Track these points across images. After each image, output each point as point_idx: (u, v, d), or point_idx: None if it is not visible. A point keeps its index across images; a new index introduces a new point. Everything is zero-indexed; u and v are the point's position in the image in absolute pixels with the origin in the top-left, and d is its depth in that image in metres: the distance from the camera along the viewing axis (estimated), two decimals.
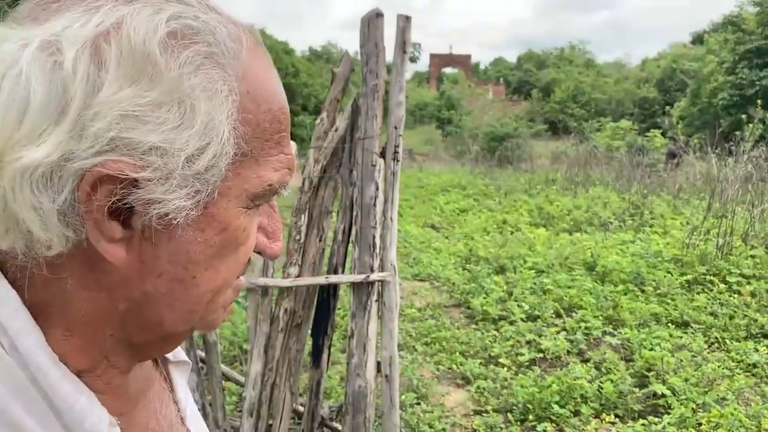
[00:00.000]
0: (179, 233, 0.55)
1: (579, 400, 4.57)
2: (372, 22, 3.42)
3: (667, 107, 33.24)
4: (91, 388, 0.58)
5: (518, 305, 6.65)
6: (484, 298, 6.93)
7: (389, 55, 3.53)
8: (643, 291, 7.06)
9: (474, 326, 6.33)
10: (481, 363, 5.38)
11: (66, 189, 0.50)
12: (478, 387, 4.92)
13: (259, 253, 0.64)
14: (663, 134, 21.90)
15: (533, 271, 7.92)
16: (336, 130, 3.60)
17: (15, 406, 0.53)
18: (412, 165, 22.86)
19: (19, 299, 0.55)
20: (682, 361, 5.10)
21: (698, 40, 50.52)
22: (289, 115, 0.61)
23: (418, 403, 4.62)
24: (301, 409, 3.94)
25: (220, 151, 0.53)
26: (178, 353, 0.78)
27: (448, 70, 63.82)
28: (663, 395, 4.54)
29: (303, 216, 3.65)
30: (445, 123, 33.00)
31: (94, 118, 0.49)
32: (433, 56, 67.28)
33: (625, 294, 6.92)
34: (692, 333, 5.87)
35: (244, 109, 0.55)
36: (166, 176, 0.52)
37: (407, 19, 3.49)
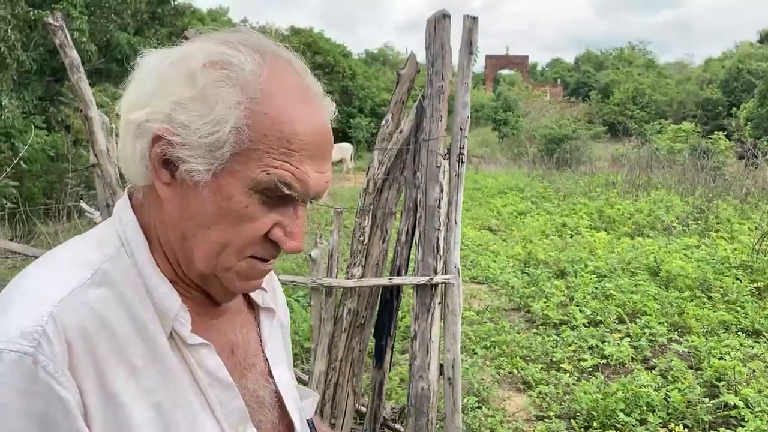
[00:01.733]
0: (200, 191, 0.82)
1: (645, 408, 4.45)
2: (438, 23, 3.41)
3: (733, 109, 32.14)
4: (178, 291, 0.88)
5: (580, 310, 6.53)
6: (545, 302, 6.83)
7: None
8: (710, 298, 6.84)
9: (534, 331, 6.24)
10: (542, 368, 5.30)
11: (144, 140, 0.83)
12: (540, 392, 4.85)
13: (273, 242, 0.86)
14: (728, 137, 21.17)
15: (594, 275, 7.77)
16: (401, 132, 3.61)
17: (127, 290, 0.85)
18: (468, 167, 22.69)
19: (136, 220, 0.89)
20: (754, 371, 4.92)
21: (766, 38, 48.74)
22: (306, 143, 0.82)
23: (479, 407, 4.58)
24: (363, 409, 3.95)
25: (224, 140, 0.80)
26: (267, 301, 1.06)
27: (504, 71, 63.25)
28: (735, 406, 4.38)
29: (366, 217, 3.67)
30: (502, 125, 32.65)
31: (162, 99, 0.81)
32: (489, 57, 66.65)
33: (691, 300, 6.72)
34: (765, 342, 5.66)
35: (255, 121, 0.80)
36: (187, 144, 0.80)
37: (474, 19, 3.46)
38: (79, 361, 0.78)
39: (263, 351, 1.02)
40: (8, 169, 8.42)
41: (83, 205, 3.68)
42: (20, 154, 8.67)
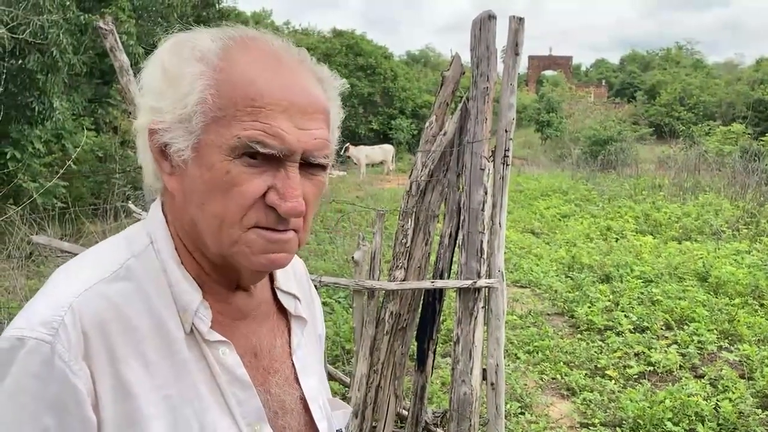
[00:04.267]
0: (190, 170, 0.85)
1: (694, 418, 4.33)
2: (484, 24, 3.37)
3: None
4: (201, 287, 0.90)
5: (625, 316, 6.41)
6: (589, 307, 6.71)
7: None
8: (762, 305, 6.64)
9: (579, 336, 6.13)
10: (586, 374, 5.21)
11: (144, 139, 0.88)
12: (584, 399, 4.76)
13: (273, 209, 0.83)
14: None
15: (640, 280, 7.61)
16: (444, 134, 3.58)
17: (149, 285, 0.88)
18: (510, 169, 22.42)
19: (163, 218, 0.92)
20: None
21: None
22: (274, 98, 0.82)
23: (522, 413, 4.52)
24: (404, 413, 3.93)
25: (192, 111, 0.82)
26: (300, 310, 1.06)
27: (547, 72, 62.50)
28: None
29: (409, 219, 3.64)
30: (545, 126, 32.24)
31: (146, 97, 0.87)
32: (531, 58, 65.89)
33: (743, 307, 6.53)
34: None
35: (220, 88, 0.82)
36: (167, 126, 0.84)
37: (520, 20, 3.41)
38: (94, 351, 0.81)
39: (291, 357, 1.02)
40: (60, 171, 8.62)
41: (131, 205, 3.74)
42: (72, 156, 8.88)
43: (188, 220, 0.88)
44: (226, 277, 0.93)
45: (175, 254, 0.90)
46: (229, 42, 0.85)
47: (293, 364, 1.02)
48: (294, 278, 1.11)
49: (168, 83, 0.84)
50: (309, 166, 0.86)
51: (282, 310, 1.05)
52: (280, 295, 1.04)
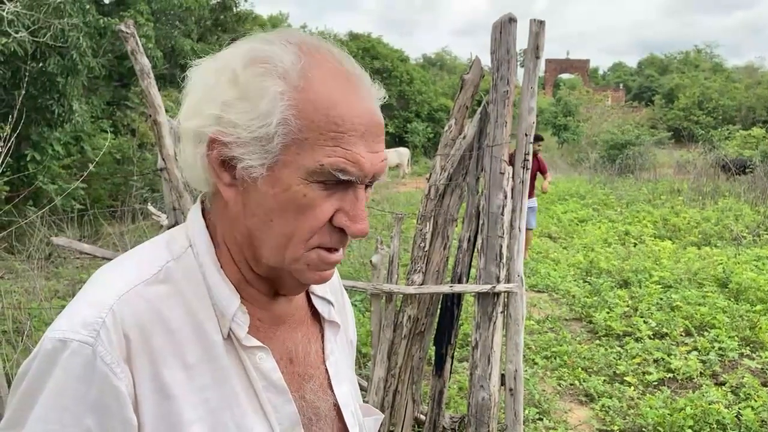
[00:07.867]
0: (259, 186, 0.83)
1: (715, 426, 4.27)
2: (504, 27, 3.35)
3: None
4: (240, 294, 0.90)
5: (644, 321, 6.34)
6: (608, 312, 6.65)
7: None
8: None
9: (597, 342, 6.08)
10: (605, 380, 5.16)
11: (202, 146, 0.84)
12: (603, 405, 4.71)
13: (342, 230, 0.85)
14: None
15: (659, 285, 7.54)
16: (464, 137, 3.56)
17: (188, 288, 0.88)
18: None
19: (203, 222, 0.92)
20: None
21: None
22: (355, 123, 0.82)
23: (540, 419, 4.48)
24: (422, 417, 3.91)
25: (273, 132, 0.80)
26: (333, 315, 1.05)
27: (564, 75, 62.25)
28: None
29: (428, 223, 3.63)
30: (562, 130, 32.09)
31: (211, 104, 0.83)
32: (549, 61, 65.54)
33: (764, 314, 6.43)
34: None
35: (301, 109, 0.80)
36: (240, 142, 0.81)
37: (541, 23, 3.38)
38: (135, 353, 0.81)
39: (324, 363, 1.02)
40: (80, 174, 8.70)
41: (150, 207, 3.76)
42: (95, 160, 8.96)
43: (243, 231, 0.88)
44: (267, 286, 0.93)
45: (215, 258, 0.90)
46: (302, 55, 0.83)
47: (327, 370, 1.02)
48: (327, 283, 1.10)
49: (242, 96, 0.82)
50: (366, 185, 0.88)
51: (315, 316, 1.04)
52: (314, 300, 1.04)
